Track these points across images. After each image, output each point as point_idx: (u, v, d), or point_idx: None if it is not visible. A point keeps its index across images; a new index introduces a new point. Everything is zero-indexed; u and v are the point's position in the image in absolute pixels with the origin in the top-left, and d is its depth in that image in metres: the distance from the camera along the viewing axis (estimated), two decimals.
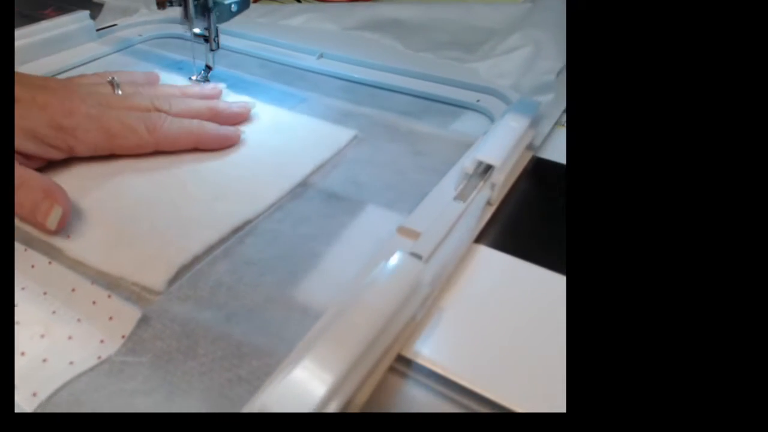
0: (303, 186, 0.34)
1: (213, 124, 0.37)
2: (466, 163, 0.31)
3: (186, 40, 0.56)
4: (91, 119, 0.33)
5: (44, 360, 0.23)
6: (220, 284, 0.27)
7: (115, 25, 0.55)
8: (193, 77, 0.45)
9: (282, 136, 0.38)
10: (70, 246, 0.28)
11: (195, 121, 0.36)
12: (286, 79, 0.47)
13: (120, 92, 0.37)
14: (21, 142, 0.31)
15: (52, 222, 0.28)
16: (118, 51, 0.51)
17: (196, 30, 0.43)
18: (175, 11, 0.42)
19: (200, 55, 0.44)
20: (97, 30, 0.52)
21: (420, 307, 0.24)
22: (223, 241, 0.30)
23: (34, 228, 0.29)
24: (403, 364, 0.23)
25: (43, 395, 0.22)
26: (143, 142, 0.35)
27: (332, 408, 0.19)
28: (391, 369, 0.23)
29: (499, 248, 0.29)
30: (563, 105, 0.42)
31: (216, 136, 0.36)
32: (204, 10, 0.41)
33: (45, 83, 0.35)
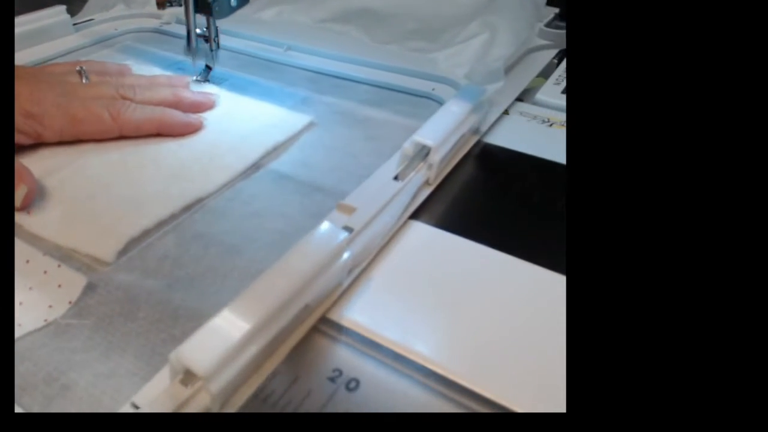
0: (255, 167, 0.36)
1: (176, 111, 0.39)
2: (406, 145, 0.33)
3: (161, 33, 0.57)
4: (58, 107, 0.35)
5: None
6: (166, 256, 0.29)
7: (92, 19, 0.57)
8: (194, 77, 0.45)
9: (241, 121, 0.40)
10: (28, 221, 0.30)
11: (158, 108, 0.38)
12: (252, 71, 0.49)
13: (87, 81, 0.39)
14: None
15: (17, 200, 0.30)
16: (93, 44, 0.53)
17: (197, 30, 0.43)
18: (171, 11, 0.43)
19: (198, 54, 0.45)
20: (74, 24, 0.54)
21: (346, 273, 0.26)
22: (174, 217, 0.31)
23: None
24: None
25: None
26: (107, 127, 0.36)
27: (250, 352, 0.21)
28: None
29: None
30: (516, 92, 0.44)
31: (178, 122, 0.38)
32: (204, 6, 0.41)
33: (16, 72, 0.36)
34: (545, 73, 0.49)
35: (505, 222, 0.32)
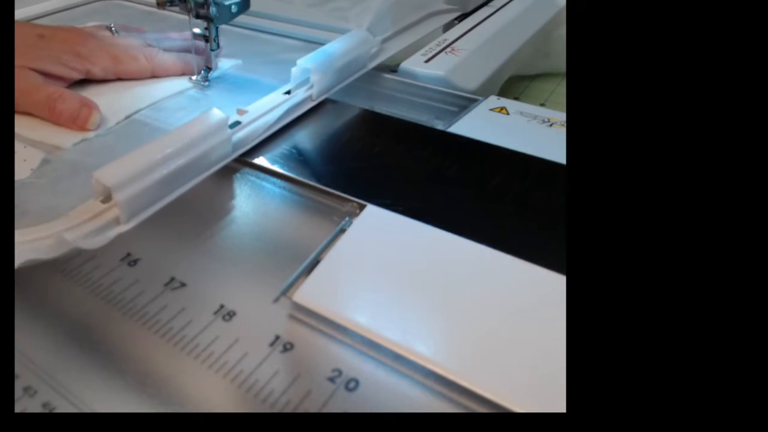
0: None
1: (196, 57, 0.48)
2: (293, 69, 0.43)
3: None
4: (101, 48, 0.44)
5: None
6: (105, 146, 0.39)
7: None
8: (194, 77, 0.48)
9: None
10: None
11: (182, 54, 0.48)
12: None
13: (118, 35, 0.49)
14: (50, 66, 0.41)
15: (93, 124, 0.40)
16: (63, 10, 0.63)
17: (196, 30, 0.45)
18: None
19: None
20: None
21: (230, 148, 0.36)
22: (118, 123, 0.42)
23: (75, 130, 0.39)
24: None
25: None
26: (142, 67, 0.46)
27: (152, 178, 0.30)
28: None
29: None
30: (407, 43, 0.54)
31: (198, 65, 0.48)
32: (204, 12, 0.43)
33: (59, 27, 0.46)
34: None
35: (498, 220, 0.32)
